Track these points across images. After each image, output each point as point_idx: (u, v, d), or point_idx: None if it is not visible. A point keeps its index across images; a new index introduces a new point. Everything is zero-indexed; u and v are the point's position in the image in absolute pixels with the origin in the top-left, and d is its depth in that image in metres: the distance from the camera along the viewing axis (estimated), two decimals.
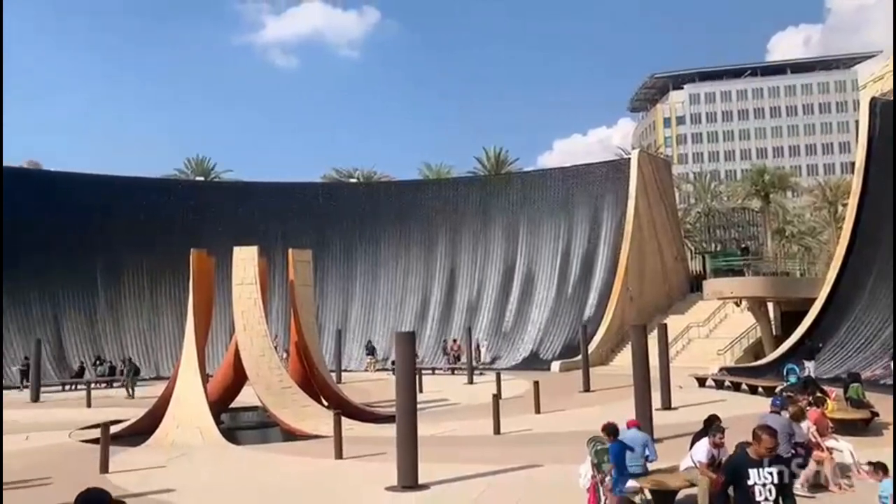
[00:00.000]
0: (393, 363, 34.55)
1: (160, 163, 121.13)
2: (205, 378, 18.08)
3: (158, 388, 22.28)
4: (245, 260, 19.88)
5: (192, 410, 17.11)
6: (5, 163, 43.23)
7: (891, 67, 43.40)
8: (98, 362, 33.14)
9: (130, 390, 27.03)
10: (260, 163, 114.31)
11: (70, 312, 36.52)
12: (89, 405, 23.79)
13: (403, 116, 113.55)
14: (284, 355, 24.46)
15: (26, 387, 28.93)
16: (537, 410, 19.07)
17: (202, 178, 54.91)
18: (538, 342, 37.12)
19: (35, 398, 26.31)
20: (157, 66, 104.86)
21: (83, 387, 27.23)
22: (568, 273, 39.15)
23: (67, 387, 30.54)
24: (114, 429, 15.35)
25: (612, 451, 9.39)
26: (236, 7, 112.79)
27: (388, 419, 18.04)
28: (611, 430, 9.66)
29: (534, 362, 34.99)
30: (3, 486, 11.74)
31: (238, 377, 19.83)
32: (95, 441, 15.37)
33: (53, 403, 25.51)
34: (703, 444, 9.63)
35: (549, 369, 32.81)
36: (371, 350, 37.07)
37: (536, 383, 20.23)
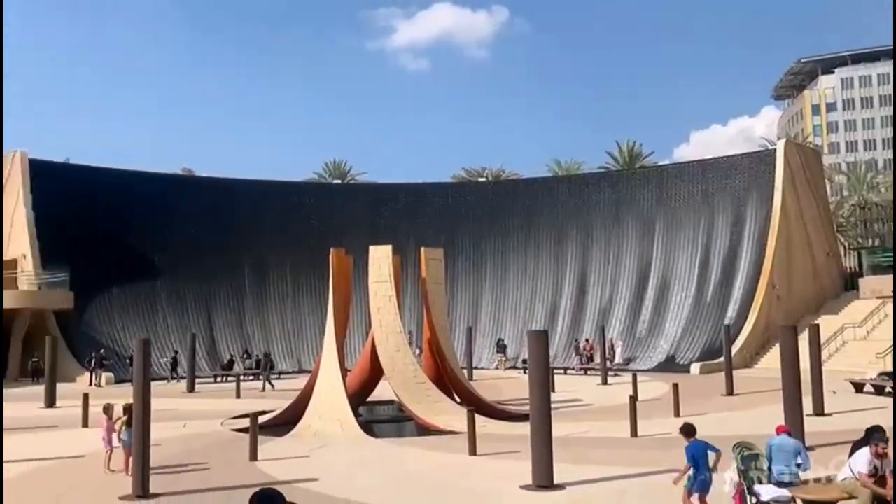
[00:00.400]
0: (524, 362, 34.47)
1: (301, 167, 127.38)
2: (344, 372, 18.73)
3: (300, 382, 23.37)
4: (380, 259, 20.44)
5: (333, 403, 17.79)
6: (163, 170, 47.02)
7: None
8: (246, 356, 35.22)
9: (268, 384, 28.43)
10: (393, 164, 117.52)
11: (221, 309, 39.15)
12: (238, 396, 25.34)
13: (532, 113, 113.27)
14: (417, 352, 24.95)
15: (175, 378, 31.82)
16: (676, 413, 18.33)
17: (339, 181, 57.06)
18: (676, 343, 35.70)
19: (191, 388, 28.32)
20: (296, 75, 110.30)
21: (233, 379, 29.00)
22: (709, 271, 37.35)
23: (219, 378, 32.68)
24: (261, 419, 16.20)
25: (691, 452, 9.21)
26: (368, 13, 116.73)
27: (521, 417, 17.99)
28: (688, 430, 9.49)
29: (671, 365, 33.73)
30: (168, 469, 12.72)
31: (374, 372, 20.41)
32: (244, 430, 16.33)
33: (207, 394, 27.34)
34: (864, 454, 8.87)
35: (688, 371, 31.53)
36: (502, 348, 37.10)
37: (675, 385, 19.45)
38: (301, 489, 11.62)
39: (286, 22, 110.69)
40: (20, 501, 11.25)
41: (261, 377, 29.47)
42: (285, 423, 18.11)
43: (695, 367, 31.90)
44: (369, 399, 21.63)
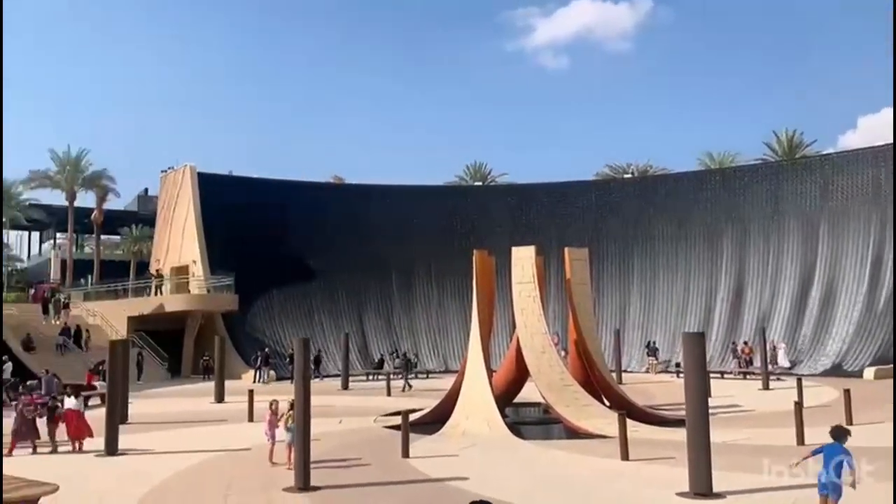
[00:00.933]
0: (677, 365, 33.13)
1: (444, 170, 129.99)
2: (490, 373, 18.81)
3: (446, 381, 23.77)
4: (523, 259, 20.35)
5: (480, 403, 17.90)
6: (315, 178, 49.46)
7: None
8: (395, 355, 36.29)
9: (407, 384, 28.73)
10: (533, 165, 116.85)
11: (372, 310, 40.68)
12: (389, 394, 26.16)
13: (680, 104, 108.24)
14: (563, 353, 24.60)
15: (319, 376, 32.53)
16: (849, 420, 16.86)
17: (480, 183, 57.50)
18: (846, 346, 32.91)
19: (345, 386, 29.55)
20: (436, 78, 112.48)
21: (383, 377, 29.94)
22: (883, 266, 34.02)
23: (371, 377, 33.88)
24: (411, 417, 16.57)
25: (824, 450, 8.74)
26: (507, 14, 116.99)
27: (675, 422, 17.29)
28: (837, 433, 8.88)
29: (838, 371, 31.17)
30: (327, 463, 13.29)
31: (520, 373, 20.34)
32: (396, 427, 16.82)
33: (359, 391, 28.42)
34: None
35: (860, 376, 29.02)
36: (653, 351, 35.87)
37: (847, 391, 17.93)
38: (452, 487, 11.77)
39: (424, 27, 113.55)
40: (195, 488, 12.17)
41: (401, 377, 30.18)
42: (433, 421, 18.43)
43: (868, 372, 29.32)
44: (515, 400, 21.59)
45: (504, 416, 18.13)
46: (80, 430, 16.00)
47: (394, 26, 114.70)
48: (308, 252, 40.88)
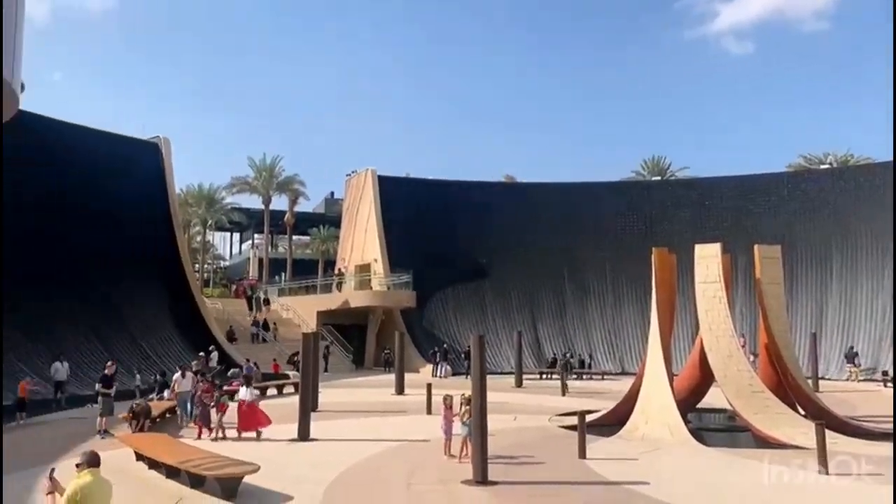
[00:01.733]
0: (884, 374, 29.99)
1: (619, 166, 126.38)
2: (671, 376, 18.01)
3: (623, 384, 23.11)
4: (707, 258, 19.27)
5: (660, 407, 17.20)
6: (488, 178, 50.07)
7: None
8: (570, 354, 35.92)
9: (563, 385, 27.47)
10: (717, 158, 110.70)
11: (545, 308, 40.53)
12: (563, 393, 25.88)
13: (884, 87, 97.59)
14: (752, 358, 23.04)
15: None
16: None
17: (659, 178, 55.38)
18: None
19: (518, 384, 29.63)
20: (613, 71, 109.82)
21: (557, 376, 29.66)
22: None
23: (544, 376, 33.73)
24: (588, 418, 16.25)
25: None
26: (686, 2, 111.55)
27: (881, 436, 15.72)
28: None
29: None
30: (502, 459, 13.37)
31: (704, 378, 19.30)
32: (571, 427, 16.57)
33: (533, 389, 28.35)
34: None
35: None
36: (853, 357, 32.68)
37: None
38: (634, 491, 11.39)
39: (600, 18, 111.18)
40: (379, 475, 12.70)
41: (583, 377, 29.67)
42: (610, 423, 17.97)
43: None
44: (699, 406, 20.53)
45: (686, 421, 17.29)
46: (249, 421, 16.54)
47: (570, 21, 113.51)
48: (481, 250, 41.53)
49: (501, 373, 34.07)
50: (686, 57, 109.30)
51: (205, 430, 16.72)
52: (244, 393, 17.14)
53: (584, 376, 33.73)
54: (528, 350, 37.17)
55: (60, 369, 23.09)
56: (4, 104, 5.01)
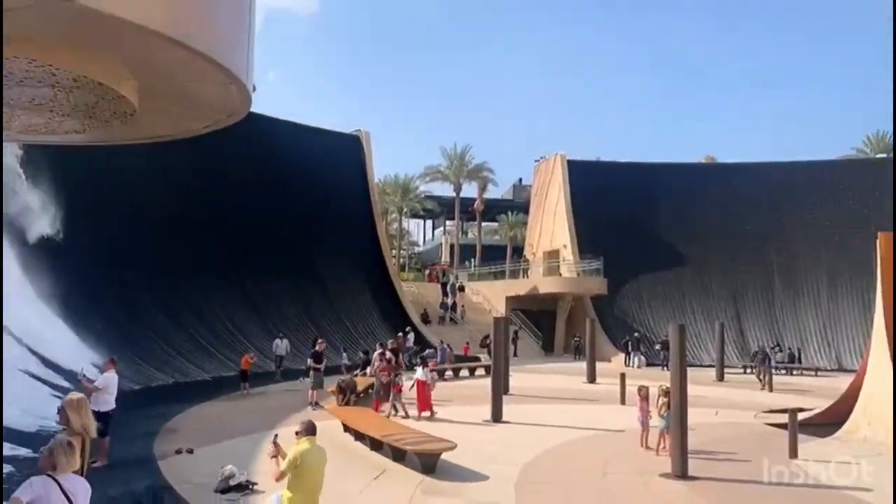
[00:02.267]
0: None
1: (837, 143, 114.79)
2: None
3: (840, 381, 21.13)
4: None
5: (886, 408, 15.48)
6: (686, 159, 47.81)
7: None
8: (777, 348, 33.41)
9: (761, 381, 25.51)
10: None
11: (749, 297, 37.98)
12: (770, 389, 24.18)
13: None
14: None
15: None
16: None
17: (884, 155, 49.70)
18: None
19: (720, 377, 28.07)
20: (825, 35, 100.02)
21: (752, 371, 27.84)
22: None
23: (747, 370, 31.66)
24: (799, 416, 15.05)
25: None
26: None
27: None
28: None
29: None
30: (703, 454, 12.78)
31: None
32: (780, 425, 15.43)
33: (735, 384, 26.74)
34: None
35: None
36: None
37: None
38: (853, 497, 10.42)
39: None
40: (573, 462, 12.64)
41: (792, 372, 27.49)
42: (825, 423, 16.49)
43: None
44: None
45: None
46: (425, 402, 16.85)
47: None
48: (678, 236, 39.77)
49: (700, 365, 32.44)
50: None
51: (381, 406, 17.34)
52: (420, 373, 17.43)
53: (794, 372, 31.25)
54: (730, 342, 35.11)
55: (280, 346, 25.41)
56: (240, 104, 5.55)
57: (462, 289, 43.90)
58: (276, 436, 7.49)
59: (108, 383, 11.54)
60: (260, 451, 11.66)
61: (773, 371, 27.60)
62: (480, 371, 27.19)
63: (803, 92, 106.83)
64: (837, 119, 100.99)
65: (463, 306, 41.69)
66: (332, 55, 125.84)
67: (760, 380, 25.56)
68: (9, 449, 11.56)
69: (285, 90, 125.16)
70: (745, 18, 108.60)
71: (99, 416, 11.13)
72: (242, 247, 31.51)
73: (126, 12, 3.77)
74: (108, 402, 11.48)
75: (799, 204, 38.73)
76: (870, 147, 54.49)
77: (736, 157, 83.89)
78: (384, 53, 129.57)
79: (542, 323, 40.41)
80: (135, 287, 25.97)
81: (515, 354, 35.53)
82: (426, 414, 16.91)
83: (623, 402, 19.34)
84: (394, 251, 60.27)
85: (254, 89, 5.30)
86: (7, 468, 10.44)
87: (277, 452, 7.04)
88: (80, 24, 3.83)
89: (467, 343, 34.21)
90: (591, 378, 26.00)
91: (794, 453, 12.95)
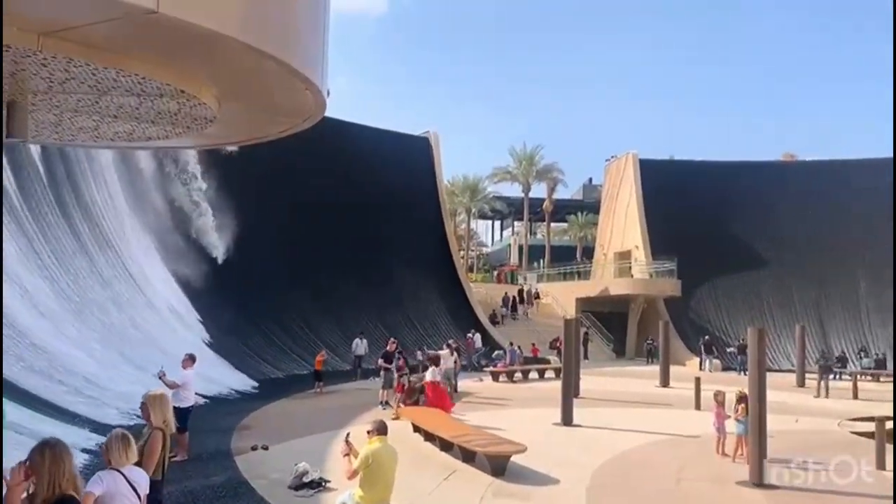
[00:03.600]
0: None
1: None
2: None
3: None
4: None
5: None
6: (765, 157, 46.30)
7: None
8: (863, 354, 31.98)
9: (821, 387, 23.95)
10: None
11: (833, 301, 36.47)
12: (856, 396, 23.16)
13: None
14: None
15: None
16: None
17: None
18: None
19: (801, 383, 27.01)
20: None
21: (848, 377, 26.65)
22: None
23: (832, 375, 30.41)
24: (887, 425, 14.35)
25: None
26: None
27: None
28: None
29: None
30: (782, 462, 12.31)
31: None
32: (867, 434, 14.78)
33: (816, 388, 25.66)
34: None
35: None
36: None
37: None
38: None
39: None
40: (647, 466, 12.39)
41: (880, 379, 26.17)
42: None
43: None
44: None
45: None
46: (435, 404, 16.34)
47: None
48: (755, 237, 38.57)
49: (780, 370, 31.33)
50: None
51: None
52: (429, 374, 17.19)
53: (881, 378, 29.78)
54: (812, 347, 33.77)
55: (360, 345, 25.83)
56: (315, 109, 5.66)
57: (538, 296, 43.72)
58: (349, 434, 7.61)
59: (187, 380, 11.95)
60: (332, 449, 11.86)
61: (859, 377, 26.47)
62: (550, 373, 26.96)
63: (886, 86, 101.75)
64: None
65: (524, 302, 42.25)
66: (401, 56, 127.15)
67: (823, 386, 23.96)
68: (94, 443, 12.12)
69: (355, 93, 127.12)
70: (829, 14, 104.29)
71: (179, 411, 11.57)
72: (315, 246, 32.16)
73: (204, 20, 3.89)
74: (187, 399, 11.90)
75: (883, 199, 36.87)
76: None
77: (819, 153, 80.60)
78: (453, 53, 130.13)
79: (612, 325, 39.78)
80: (217, 289, 26.85)
81: (586, 357, 35.12)
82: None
83: (698, 406, 18.86)
84: (462, 252, 60.42)
85: (328, 94, 5.40)
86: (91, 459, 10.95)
87: (350, 451, 7.15)
88: (162, 32, 3.98)
89: (534, 344, 33.99)
90: (665, 382, 25.46)
91: (881, 464, 12.36)
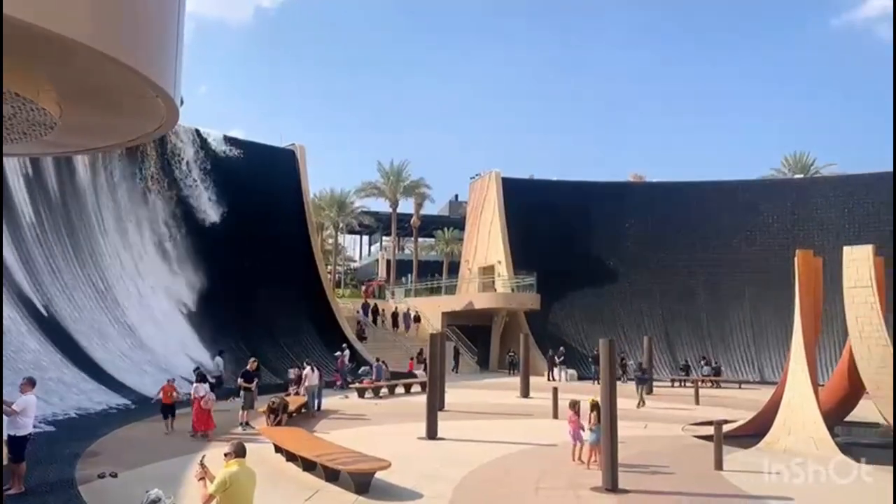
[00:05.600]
0: None
1: (756, 164, 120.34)
2: (816, 386, 16.89)
3: (761, 393, 21.93)
4: (858, 260, 17.91)
5: (804, 419, 16.17)
6: (614, 178, 48.93)
7: None
8: (704, 363, 34.42)
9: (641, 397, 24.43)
10: (867, 153, 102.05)
11: (677, 312, 38.96)
12: (697, 402, 24.86)
13: None
14: None
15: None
16: None
17: (801, 176, 52.04)
18: None
19: (649, 391, 28.61)
20: (751, 63, 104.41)
21: (690, 384, 28.58)
22: None
23: (675, 383, 32.55)
24: (724, 428, 15.52)
25: None
26: None
27: None
28: None
29: None
30: (632, 467, 13.01)
31: (853, 389, 18.00)
32: (705, 437, 15.91)
33: (663, 397, 27.38)
34: None
35: None
36: None
37: None
38: None
39: (730, 12, 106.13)
40: (508, 477, 12.70)
41: (719, 385, 28.25)
42: (748, 434, 17.08)
43: None
44: (847, 419, 19.14)
45: (833, 434, 16.15)
46: (200, 421, 16.21)
47: (698, 11, 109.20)
48: (609, 253, 40.72)
49: (631, 379, 33.13)
50: (832, 45, 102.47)
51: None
52: (200, 389, 16.68)
53: (722, 384, 32.23)
54: (659, 356, 35.99)
55: (219, 364, 24.90)
56: (168, 117, 5.42)
57: (418, 319, 41.98)
58: (204, 457, 7.28)
59: (27, 405, 10.96)
60: (187, 473, 11.30)
61: (701, 384, 28.51)
62: (417, 388, 27.09)
63: (723, 116, 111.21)
64: (760, 140, 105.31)
65: (383, 310, 43.34)
66: (267, 67, 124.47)
67: (639, 395, 24.40)
68: None
69: (218, 102, 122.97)
70: (672, 43, 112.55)
71: (14, 440, 10.59)
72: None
73: (54, 25, 3.65)
74: (24, 426, 10.92)
75: (724, 220, 40.11)
76: (788, 167, 56.91)
77: (664, 175, 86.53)
78: (323, 66, 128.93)
79: (477, 338, 40.61)
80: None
81: (457, 370, 35.66)
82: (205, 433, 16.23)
83: (556, 416, 19.58)
84: (329, 267, 59.67)
85: (181, 102, 5.19)
86: None
87: (205, 474, 6.85)
88: (8, 36, 3.69)
89: (412, 358, 34.09)
90: (525, 393, 26.23)
91: (719, 465, 13.35)
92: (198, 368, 19.42)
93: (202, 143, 35.45)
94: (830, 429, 16.26)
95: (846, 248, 18.37)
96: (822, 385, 19.24)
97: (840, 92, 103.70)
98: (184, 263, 32.14)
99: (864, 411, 18.46)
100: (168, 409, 17.22)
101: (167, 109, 5.21)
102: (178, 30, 4.81)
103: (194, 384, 17.47)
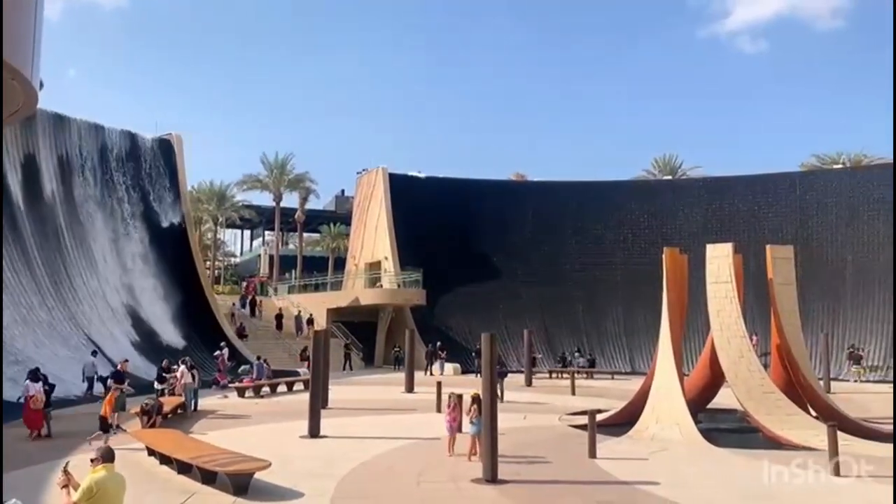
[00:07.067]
0: None
1: (627, 165, 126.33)
2: (682, 376, 17.97)
3: (633, 383, 23.07)
4: (719, 257, 19.20)
5: (671, 407, 17.17)
6: (500, 176, 50.01)
7: None
8: (578, 353, 35.79)
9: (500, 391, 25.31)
10: (730, 157, 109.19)
11: (556, 307, 40.28)
12: (573, 393, 25.85)
13: None
14: (763, 359, 22.92)
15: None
16: None
17: (670, 177, 55.14)
18: None
19: (528, 382, 29.57)
20: (619, 70, 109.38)
21: (567, 376, 29.67)
22: None
23: (554, 375, 33.71)
24: (598, 417, 16.22)
25: None
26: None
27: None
28: None
29: None
30: (511, 458, 13.36)
31: (714, 378, 19.25)
32: (581, 427, 16.57)
33: (543, 389, 28.31)
34: None
35: None
36: (857, 358, 32.27)
37: None
38: (643, 491, 11.39)
39: (607, 13, 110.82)
40: (390, 472, 12.74)
41: (593, 376, 29.45)
42: (620, 423, 17.95)
43: None
44: (709, 406, 20.47)
45: (697, 421, 17.25)
46: (31, 420, 15.92)
47: (578, 17, 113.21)
48: (492, 249, 41.57)
49: (511, 371, 34.00)
50: (698, 55, 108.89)
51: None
52: (31, 388, 16.28)
53: (596, 375, 33.64)
54: (539, 349, 37.11)
55: (93, 366, 23.64)
56: (26, 101, 5.05)
57: (311, 321, 39.63)
58: (68, 463, 6.89)
59: None
60: (50, 481, 10.63)
61: (576, 374, 29.64)
62: (300, 386, 26.65)
63: (601, 119, 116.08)
64: (633, 142, 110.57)
65: (261, 301, 43.23)
66: (143, 52, 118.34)
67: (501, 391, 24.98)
68: None
69: (89, 89, 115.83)
70: (558, 48, 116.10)
71: None
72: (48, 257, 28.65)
73: None
74: None
75: (599, 219, 41.95)
76: (658, 168, 60.17)
77: (545, 175, 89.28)
78: (201, 54, 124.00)
79: (363, 335, 40.42)
80: None
81: (349, 368, 35.37)
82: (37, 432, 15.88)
83: (439, 410, 19.78)
84: (208, 262, 57.59)
85: (41, 86, 4.86)
86: None
87: (69, 482, 6.48)
88: None
89: (300, 356, 33.41)
90: (410, 388, 26.38)
91: (593, 453, 13.95)
92: (37, 369, 18.07)
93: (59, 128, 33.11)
94: (694, 416, 17.34)
95: (709, 246, 19.64)
96: (688, 375, 20.52)
97: (705, 99, 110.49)
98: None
99: (725, 399, 19.73)
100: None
101: (24, 93, 4.86)
102: (36, 9, 4.49)
103: (26, 382, 16.57)
